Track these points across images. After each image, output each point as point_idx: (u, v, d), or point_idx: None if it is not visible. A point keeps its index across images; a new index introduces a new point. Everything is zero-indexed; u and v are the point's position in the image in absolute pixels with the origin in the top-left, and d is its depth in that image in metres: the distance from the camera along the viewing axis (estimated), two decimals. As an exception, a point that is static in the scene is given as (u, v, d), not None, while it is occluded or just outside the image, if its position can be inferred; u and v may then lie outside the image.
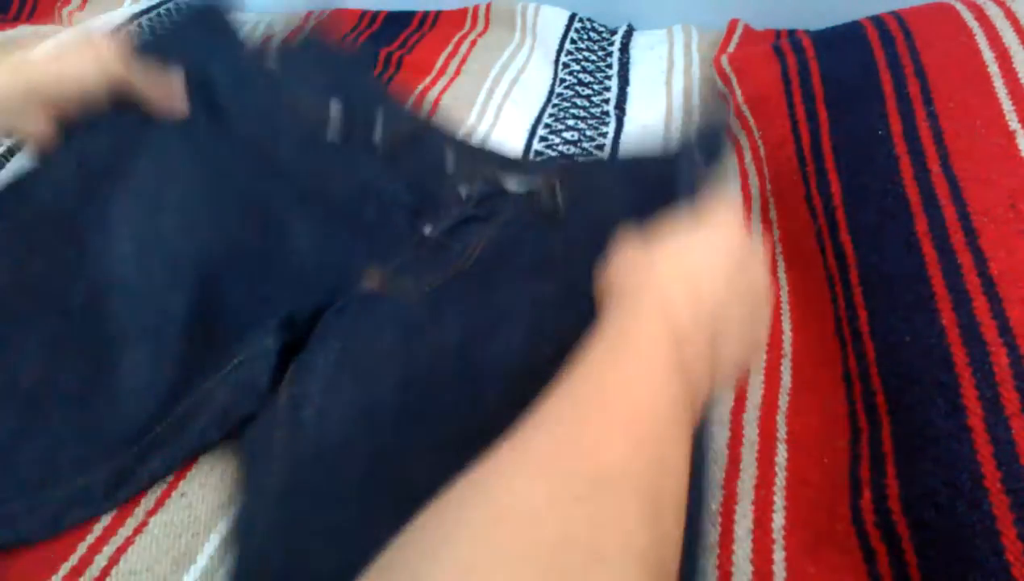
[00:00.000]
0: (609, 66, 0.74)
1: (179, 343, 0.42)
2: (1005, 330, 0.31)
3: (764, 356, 0.42)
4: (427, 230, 0.48)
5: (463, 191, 0.51)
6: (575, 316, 0.36)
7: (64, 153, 0.48)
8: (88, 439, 0.39)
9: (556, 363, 0.31)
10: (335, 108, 0.53)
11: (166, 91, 0.50)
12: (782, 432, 0.38)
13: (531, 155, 0.63)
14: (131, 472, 0.39)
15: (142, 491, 0.39)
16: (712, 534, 0.34)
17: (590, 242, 0.40)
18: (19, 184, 0.48)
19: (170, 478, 0.40)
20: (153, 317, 0.42)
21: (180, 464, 0.40)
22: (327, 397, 0.38)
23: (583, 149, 0.63)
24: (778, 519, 0.33)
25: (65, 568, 0.36)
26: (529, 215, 0.48)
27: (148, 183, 0.47)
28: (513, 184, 0.52)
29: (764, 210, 0.52)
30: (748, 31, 0.73)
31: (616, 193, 0.47)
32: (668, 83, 0.69)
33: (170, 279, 0.43)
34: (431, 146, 0.54)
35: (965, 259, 0.35)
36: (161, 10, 0.97)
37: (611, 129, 0.64)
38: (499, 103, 0.70)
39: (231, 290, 0.44)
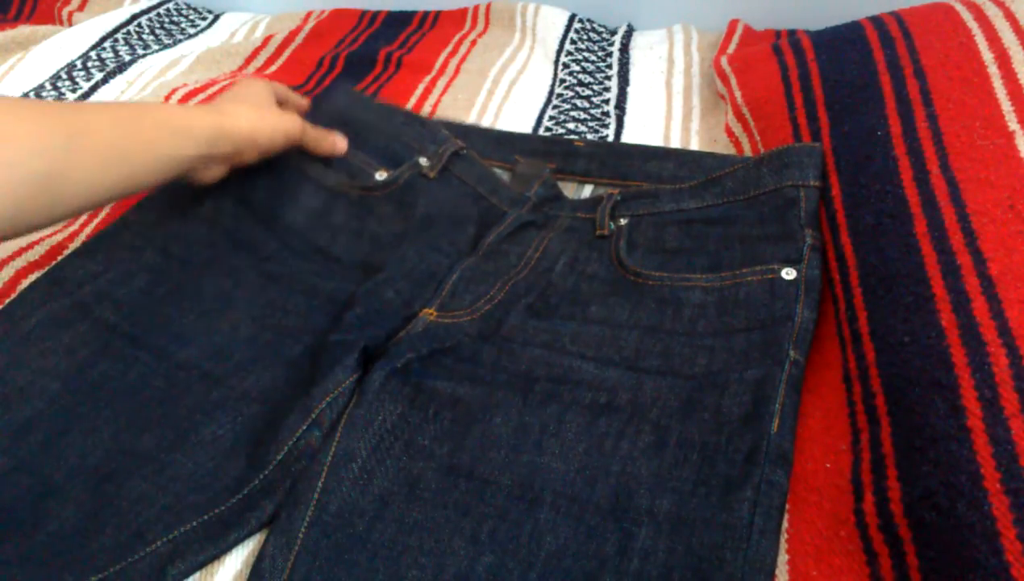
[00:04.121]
0: (609, 66, 0.74)
1: (263, 404, 0.42)
2: (1004, 331, 0.31)
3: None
4: (488, 239, 0.50)
5: (520, 193, 0.53)
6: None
7: (139, 267, 0.49)
8: (176, 494, 0.37)
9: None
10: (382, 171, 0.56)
11: (331, 144, 0.57)
12: (783, 433, 0.38)
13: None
14: (237, 517, 0.36)
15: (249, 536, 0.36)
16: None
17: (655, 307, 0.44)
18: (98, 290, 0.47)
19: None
20: (236, 392, 0.42)
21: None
22: (374, 458, 0.38)
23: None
24: (782, 522, 0.34)
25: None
26: (587, 231, 0.50)
27: (221, 292, 0.48)
28: (570, 191, 0.56)
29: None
30: (748, 31, 0.73)
31: (686, 246, 0.47)
32: (668, 83, 0.69)
33: (250, 365, 0.43)
34: (477, 160, 0.57)
35: (964, 260, 0.35)
36: (161, 10, 0.97)
37: (611, 129, 0.64)
38: (499, 103, 0.70)
39: (311, 343, 0.44)
